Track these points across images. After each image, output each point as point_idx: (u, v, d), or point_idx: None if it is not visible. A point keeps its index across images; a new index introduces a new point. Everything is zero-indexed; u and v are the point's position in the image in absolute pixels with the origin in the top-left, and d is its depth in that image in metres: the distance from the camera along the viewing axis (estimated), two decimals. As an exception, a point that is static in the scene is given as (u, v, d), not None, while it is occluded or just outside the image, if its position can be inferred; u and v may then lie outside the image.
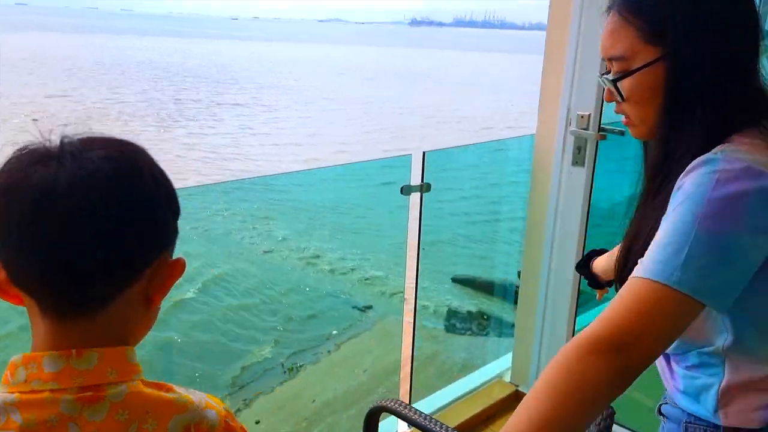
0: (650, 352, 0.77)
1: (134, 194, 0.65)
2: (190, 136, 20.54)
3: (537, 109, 2.34)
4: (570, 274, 2.30)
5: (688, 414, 0.92)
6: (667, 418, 0.98)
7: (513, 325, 2.59)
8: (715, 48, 0.85)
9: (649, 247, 0.80)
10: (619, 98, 0.94)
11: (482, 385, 2.64)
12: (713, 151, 0.82)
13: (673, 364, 0.96)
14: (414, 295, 2.47)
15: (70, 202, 0.60)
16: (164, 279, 0.69)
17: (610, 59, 0.93)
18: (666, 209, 0.83)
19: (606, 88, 0.97)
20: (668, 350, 0.93)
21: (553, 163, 2.29)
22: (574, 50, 2.17)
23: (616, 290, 0.85)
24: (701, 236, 0.76)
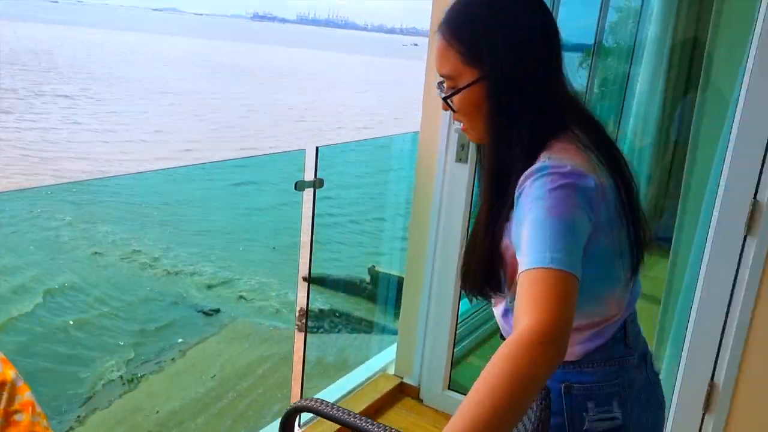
0: (569, 332, 0.82)
1: None
2: (4, 130, 18.36)
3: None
4: (453, 268, 2.36)
5: None
6: None
7: (371, 322, 2.66)
8: (523, 69, 0.99)
9: (528, 242, 0.88)
10: (451, 110, 1.07)
11: (367, 379, 2.63)
12: (540, 159, 0.96)
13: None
14: (306, 298, 2.39)
15: None
16: None
17: (442, 77, 1.05)
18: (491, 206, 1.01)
19: (456, 103, 1.05)
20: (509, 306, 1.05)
21: (437, 160, 2.34)
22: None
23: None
24: (554, 223, 0.87)
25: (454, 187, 2.31)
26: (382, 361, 2.77)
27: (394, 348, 2.70)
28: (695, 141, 2.14)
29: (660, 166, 4.58)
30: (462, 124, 1.10)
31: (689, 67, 4.43)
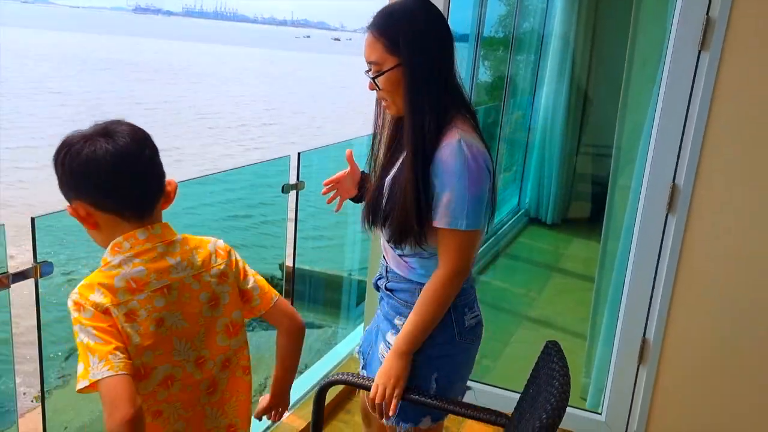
0: (470, 270, 1.42)
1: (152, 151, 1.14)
2: None
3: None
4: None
5: (419, 283, 1.44)
6: (393, 291, 1.49)
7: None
8: (428, 59, 1.36)
9: (450, 206, 1.33)
10: (377, 88, 1.41)
11: (339, 364, 2.82)
12: (454, 134, 1.34)
13: (411, 259, 1.45)
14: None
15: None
16: (170, 192, 1.18)
17: (369, 62, 1.40)
18: (413, 174, 1.34)
19: (369, 81, 1.41)
20: (411, 251, 1.43)
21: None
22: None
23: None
24: (471, 197, 1.33)
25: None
26: (347, 347, 2.96)
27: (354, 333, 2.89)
28: (620, 135, 2.49)
29: (567, 156, 5.05)
30: (384, 101, 1.44)
31: (589, 63, 4.92)
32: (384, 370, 1.40)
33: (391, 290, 1.49)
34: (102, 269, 1.09)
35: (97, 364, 0.99)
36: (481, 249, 4.00)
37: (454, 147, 1.32)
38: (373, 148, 1.53)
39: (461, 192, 1.32)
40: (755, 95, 2.04)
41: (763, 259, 2.14)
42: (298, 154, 2.32)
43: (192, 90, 34.35)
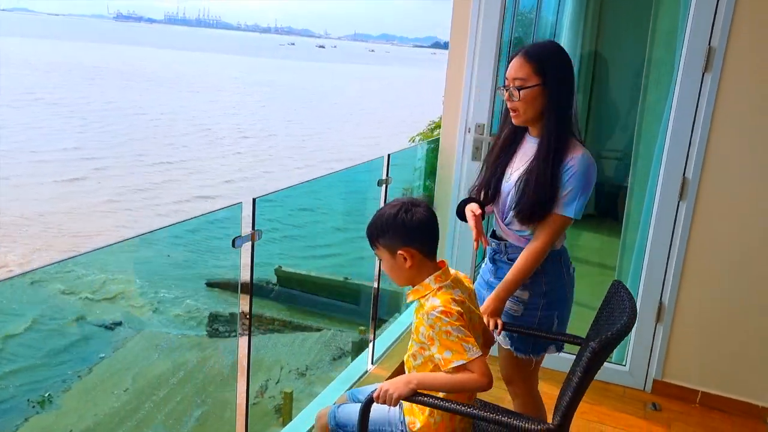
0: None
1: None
2: None
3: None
4: (470, 248, 3.13)
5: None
6: (513, 260, 1.95)
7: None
8: (562, 87, 1.83)
9: (567, 198, 1.82)
10: (516, 99, 1.85)
11: (402, 334, 3.33)
12: (580, 150, 1.82)
13: (528, 235, 1.94)
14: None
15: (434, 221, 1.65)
16: None
17: (514, 79, 1.84)
18: (546, 171, 1.81)
19: (507, 92, 1.87)
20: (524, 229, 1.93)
21: (455, 159, 3.10)
22: (470, 74, 3.00)
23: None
24: (582, 194, 1.82)
25: (470, 180, 3.07)
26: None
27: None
28: (638, 139, 3.07)
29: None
30: (514, 110, 1.89)
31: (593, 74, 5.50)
32: (488, 308, 1.93)
33: (512, 260, 1.97)
34: (437, 292, 1.60)
35: (472, 349, 1.52)
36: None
37: (579, 158, 1.82)
38: (493, 149, 2.04)
39: (578, 187, 1.81)
40: (747, 108, 2.62)
41: (757, 236, 2.72)
42: (388, 155, 2.74)
43: (186, 99, 34.71)
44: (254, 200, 1.79)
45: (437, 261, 1.67)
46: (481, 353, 1.54)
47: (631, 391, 3.03)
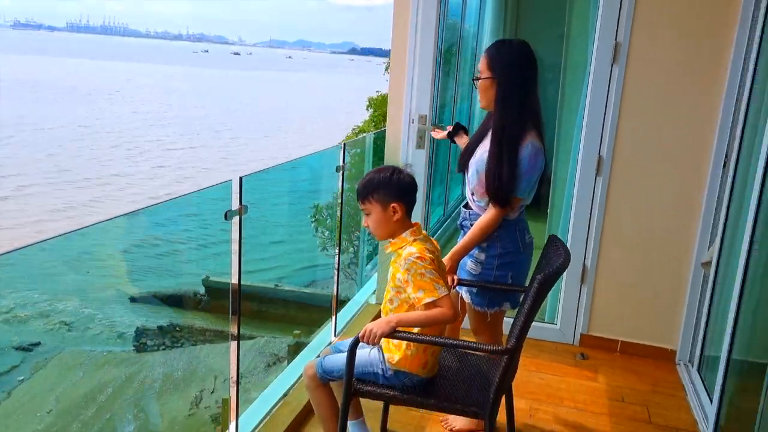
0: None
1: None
2: None
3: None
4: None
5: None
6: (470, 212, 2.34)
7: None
8: (508, 81, 2.16)
9: (513, 179, 2.14)
10: (476, 88, 2.23)
11: (358, 312, 3.62)
12: (528, 138, 2.14)
13: (478, 205, 2.30)
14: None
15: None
16: None
17: (478, 70, 2.22)
18: (504, 155, 2.14)
19: (478, 85, 2.22)
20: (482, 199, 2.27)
21: (401, 148, 3.43)
22: (411, 70, 3.33)
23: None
24: (531, 177, 2.17)
25: (416, 167, 3.40)
26: (363, 296, 3.77)
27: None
28: (559, 126, 3.50)
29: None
30: (480, 96, 2.24)
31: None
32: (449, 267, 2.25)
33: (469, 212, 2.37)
34: (413, 242, 1.91)
35: (441, 288, 1.82)
36: (442, 228, 4.93)
37: (525, 146, 2.13)
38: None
39: (525, 170, 2.15)
40: (649, 93, 3.10)
41: (659, 203, 3.19)
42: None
43: (107, 110, 33.56)
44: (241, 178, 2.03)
45: (411, 222, 1.99)
46: (447, 292, 1.86)
47: (563, 345, 3.45)
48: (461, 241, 2.29)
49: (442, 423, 2.58)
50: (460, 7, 4.98)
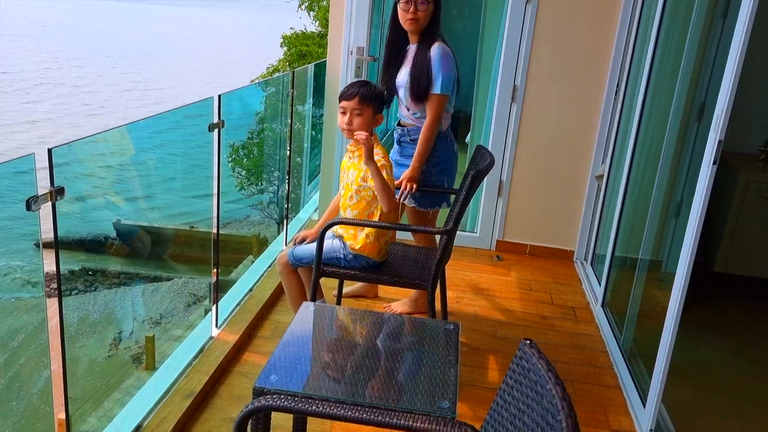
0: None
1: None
2: None
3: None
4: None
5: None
6: (415, 139, 2.73)
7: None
8: (439, 8, 2.70)
9: (434, 79, 2.62)
10: (421, 11, 2.63)
11: (302, 227, 4.01)
12: (436, 44, 2.66)
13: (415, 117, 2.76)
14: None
15: None
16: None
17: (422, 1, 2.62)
18: (423, 60, 2.64)
19: (413, 6, 2.61)
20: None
21: (340, 79, 3.78)
22: (350, 5, 3.66)
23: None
24: (449, 75, 2.64)
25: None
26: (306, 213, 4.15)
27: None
28: (480, 58, 3.96)
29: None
30: (415, 20, 2.63)
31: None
32: (407, 176, 2.69)
33: (414, 140, 2.74)
34: (377, 146, 2.37)
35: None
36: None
37: (435, 48, 2.62)
38: (384, 63, 2.82)
39: (446, 72, 2.61)
40: (557, 28, 3.60)
41: (563, 126, 3.75)
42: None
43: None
44: (50, 151, 1.49)
45: None
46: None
47: (482, 250, 4.02)
48: (416, 151, 2.70)
49: (385, 308, 3.07)
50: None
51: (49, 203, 1.48)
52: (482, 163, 2.47)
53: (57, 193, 1.50)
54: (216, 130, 2.60)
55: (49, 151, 1.46)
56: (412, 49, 2.73)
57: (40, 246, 1.71)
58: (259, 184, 6.80)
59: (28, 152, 1.42)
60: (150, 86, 28.89)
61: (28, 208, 1.42)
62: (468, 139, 4.21)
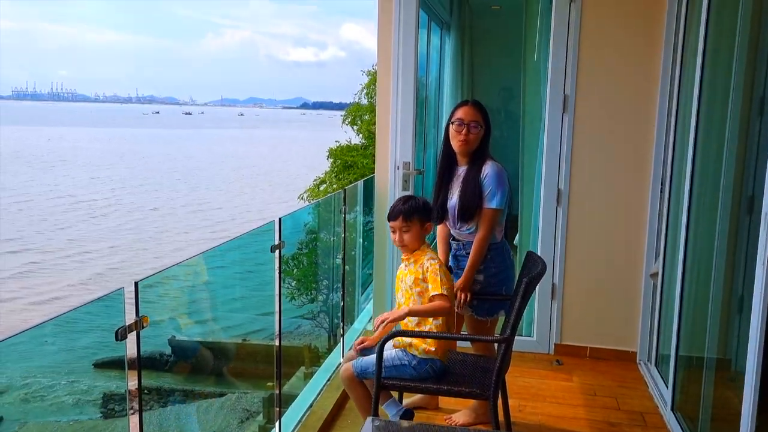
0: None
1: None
2: None
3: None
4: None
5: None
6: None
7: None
8: (489, 133, 2.86)
9: (488, 195, 2.74)
10: (473, 133, 2.79)
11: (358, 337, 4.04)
12: (488, 162, 2.80)
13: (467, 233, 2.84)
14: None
15: None
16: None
17: (473, 120, 2.78)
18: (473, 182, 2.77)
19: (465, 128, 2.77)
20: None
21: (389, 192, 3.95)
22: (395, 125, 3.89)
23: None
24: (504, 190, 2.76)
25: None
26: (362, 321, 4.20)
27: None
28: (522, 160, 4.10)
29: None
30: (467, 143, 2.78)
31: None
32: (459, 286, 2.75)
33: (468, 252, 2.82)
34: (429, 251, 2.54)
35: (444, 288, 2.37)
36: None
37: (490, 166, 2.76)
38: (436, 184, 2.95)
39: (499, 189, 2.74)
40: (595, 134, 3.72)
41: (611, 225, 3.78)
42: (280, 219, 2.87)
43: (69, 177, 33.44)
44: (136, 284, 1.69)
45: None
46: (446, 293, 2.43)
47: (540, 355, 3.95)
48: (468, 263, 2.78)
49: (446, 420, 3.02)
50: (424, 67, 5.64)
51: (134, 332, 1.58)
52: (534, 269, 2.51)
53: (140, 322, 1.61)
54: (277, 251, 2.74)
55: (136, 284, 1.62)
56: (461, 171, 2.85)
57: (126, 368, 1.80)
58: (309, 293, 6.92)
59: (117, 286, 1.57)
60: (208, 203, 30.36)
61: (117, 338, 1.55)
62: (517, 240, 4.26)
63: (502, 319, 2.89)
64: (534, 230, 3.99)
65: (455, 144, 2.82)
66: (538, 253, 3.85)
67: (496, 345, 2.72)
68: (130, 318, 1.65)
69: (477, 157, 2.81)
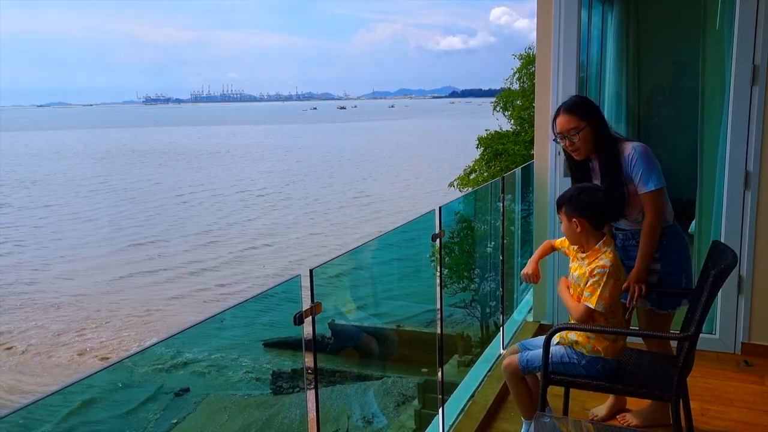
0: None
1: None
2: None
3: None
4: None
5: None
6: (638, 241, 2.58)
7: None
8: (597, 118, 2.57)
9: (642, 179, 2.49)
10: (576, 141, 2.55)
11: (518, 329, 3.94)
12: (625, 145, 2.56)
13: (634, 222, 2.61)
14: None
15: None
16: None
17: (568, 129, 2.55)
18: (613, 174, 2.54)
19: (567, 140, 2.57)
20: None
21: (549, 177, 3.78)
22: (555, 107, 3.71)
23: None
24: (657, 166, 2.48)
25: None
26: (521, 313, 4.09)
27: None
28: (701, 146, 3.72)
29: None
30: (575, 150, 2.59)
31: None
32: (634, 279, 2.54)
33: (638, 241, 2.59)
34: (606, 253, 2.29)
35: (600, 303, 2.22)
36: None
37: (631, 148, 2.52)
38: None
39: (646, 169, 2.49)
40: (791, 108, 3.27)
41: None
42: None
43: (238, 171, 36.83)
44: (311, 271, 1.75)
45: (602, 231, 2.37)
46: (599, 310, 2.23)
47: (724, 354, 3.58)
48: (640, 252, 2.55)
49: (620, 419, 2.83)
50: (585, 45, 5.32)
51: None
52: (723, 261, 2.26)
53: (315, 308, 1.70)
54: (438, 240, 2.73)
55: (311, 272, 1.69)
56: (594, 164, 2.66)
57: (303, 348, 1.91)
58: (461, 282, 6.86)
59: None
60: (370, 196, 31.82)
61: (295, 323, 1.65)
62: (692, 229, 3.88)
63: (676, 312, 2.65)
64: (716, 217, 3.61)
65: (572, 155, 2.65)
66: (722, 240, 3.50)
67: (675, 342, 2.50)
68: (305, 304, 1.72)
69: (602, 147, 2.57)
